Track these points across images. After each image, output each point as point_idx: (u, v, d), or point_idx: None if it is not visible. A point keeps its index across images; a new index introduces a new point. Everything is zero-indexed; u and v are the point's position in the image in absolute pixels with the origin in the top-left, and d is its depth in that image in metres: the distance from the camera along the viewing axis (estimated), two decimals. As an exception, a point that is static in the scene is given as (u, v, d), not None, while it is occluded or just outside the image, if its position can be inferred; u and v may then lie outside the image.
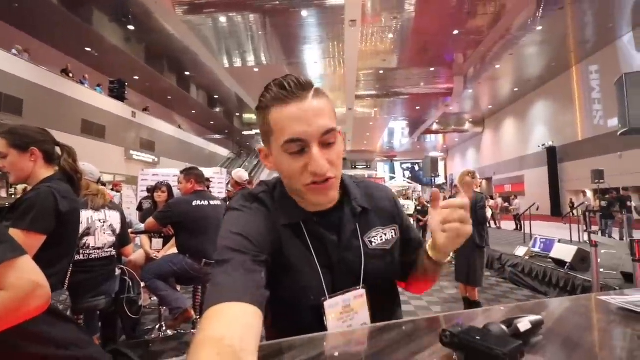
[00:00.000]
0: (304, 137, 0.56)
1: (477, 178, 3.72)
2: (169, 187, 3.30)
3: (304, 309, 0.65)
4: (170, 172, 11.08)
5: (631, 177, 11.93)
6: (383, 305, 0.72)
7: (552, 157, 17.39)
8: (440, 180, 14.94)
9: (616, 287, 3.15)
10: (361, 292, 0.67)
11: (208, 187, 8.02)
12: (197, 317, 2.69)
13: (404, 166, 37.31)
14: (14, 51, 10.66)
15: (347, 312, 0.66)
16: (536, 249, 4.78)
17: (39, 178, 1.30)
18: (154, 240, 3.08)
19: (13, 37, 11.76)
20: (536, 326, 0.59)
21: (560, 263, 4.05)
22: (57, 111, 11.46)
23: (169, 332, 2.85)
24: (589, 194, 13.48)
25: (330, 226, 0.67)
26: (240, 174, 3.74)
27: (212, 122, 25.03)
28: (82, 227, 1.90)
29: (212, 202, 2.65)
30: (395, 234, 0.74)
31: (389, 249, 0.72)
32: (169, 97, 19.67)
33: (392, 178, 25.61)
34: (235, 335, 0.42)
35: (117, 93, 14.88)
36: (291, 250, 0.64)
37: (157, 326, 2.92)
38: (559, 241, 4.52)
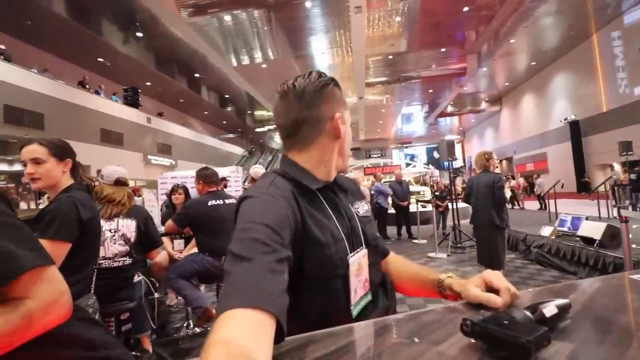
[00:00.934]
0: None
1: (493, 159, 3.63)
2: (185, 189, 3.36)
3: (331, 279, 0.68)
4: (187, 174, 11.32)
5: (662, 146, 11.32)
6: (377, 265, 0.83)
7: (576, 131, 16.70)
8: (458, 163, 14.60)
9: (651, 263, 3.01)
10: (365, 251, 0.76)
11: (225, 186, 8.13)
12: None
13: (418, 150, 36.70)
14: (33, 70, 11.04)
15: (359, 270, 0.73)
16: (563, 228, 4.61)
17: (61, 187, 1.35)
18: (175, 241, 3.15)
19: (29, 54, 12.19)
20: (563, 310, 0.56)
21: (588, 241, 3.90)
22: (76, 122, 11.86)
23: (197, 330, 2.93)
24: (617, 167, 12.89)
25: (337, 194, 0.79)
26: (257, 169, 3.76)
27: (224, 122, 25.33)
28: None
29: (227, 201, 2.68)
30: (369, 207, 0.88)
31: (370, 216, 0.86)
32: (182, 100, 20.02)
33: (408, 165, 25.21)
34: (247, 337, 0.41)
35: (131, 100, 15.25)
36: (315, 223, 0.67)
37: (185, 324, 3.01)
38: (587, 218, 4.34)
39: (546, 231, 4.81)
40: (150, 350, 2.33)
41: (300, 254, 0.64)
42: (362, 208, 0.84)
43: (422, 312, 0.64)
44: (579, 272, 3.97)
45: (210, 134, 23.78)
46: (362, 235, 0.77)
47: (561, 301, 0.56)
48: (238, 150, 26.86)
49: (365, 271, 0.76)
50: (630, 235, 2.55)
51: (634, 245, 3.24)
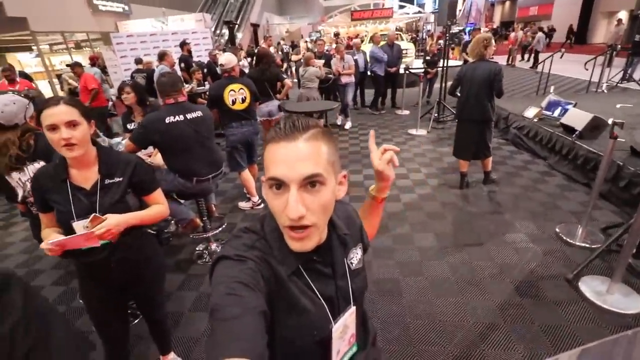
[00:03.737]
0: (283, 178, 0.56)
1: (492, 45, 3.17)
2: (135, 86, 2.85)
3: (310, 344, 0.68)
4: (145, 31, 9.77)
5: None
6: (361, 312, 0.83)
7: (597, -33, 14.37)
8: (456, 28, 12.73)
9: (620, 162, 3.09)
10: (353, 309, 0.74)
11: (189, 52, 7.14)
12: (203, 219, 2.83)
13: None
14: None
15: (344, 331, 0.73)
16: (548, 112, 4.51)
17: (92, 153, 1.28)
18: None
19: None
20: None
21: (569, 130, 3.88)
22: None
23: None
24: (624, 17, 11.72)
25: (325, 259, 0.69)
26: (220, 58, 3.17)
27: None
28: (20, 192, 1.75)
29: (189, 116, 2.33)
30: (362, 251, 0.81)
31: (362, 266, 0.79)
32: None
33: (401, 7, 22.29)
34: None
35: None
36: (295, 293, 0.64)
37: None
38: (575, 105, 4.18)
39: (530, 112, 4.71)
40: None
41: (277, 320, 0.63)
42: (356, 258, 0.77)
43: None
44: (549, 159, 4.12)
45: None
46: (350, 294, 0.73)
47: None
48: (203, -13, 22.48)
49: (352, 328, 0.75)
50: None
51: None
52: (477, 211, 3.23)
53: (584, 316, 1.99)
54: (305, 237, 0.59)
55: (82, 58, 10.58)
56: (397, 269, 2.51)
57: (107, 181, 1.28)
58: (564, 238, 2.68)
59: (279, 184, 0.57)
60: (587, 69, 6.88)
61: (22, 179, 1.69)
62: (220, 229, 2.85)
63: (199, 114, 2.40)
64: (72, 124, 1.16)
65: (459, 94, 3.41)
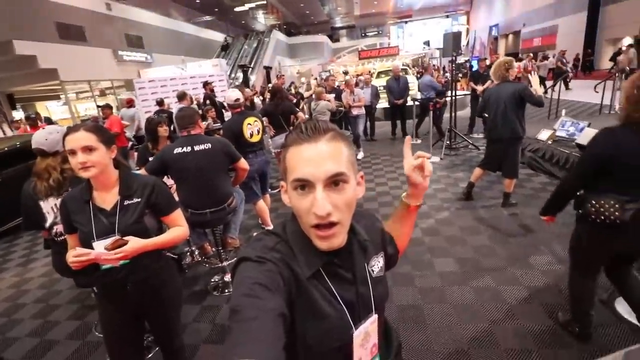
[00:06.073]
0: (310, 178, 0.58)
1: (513, 67, 3.33)
2: (170, 117, 3.01)
3: (332, 350, 0.67)
4: (166, 76, 10.41)
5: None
6: (382, 322, 0.81)
7: (596, -1, 14.83)
8: (461, 58, 13.27)
9: None
10: (374, 317, 0.73)
11: (212, 90, 7.51)
12: (218, 249, 2.82)
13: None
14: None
15: (365, 339, 0.72)
16: (562, 133, 4.47)
17: (112, 175, 1.33)
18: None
19: None
20: None
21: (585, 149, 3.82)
22: (25, 17, 10.19)
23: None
24: (628, 43, 11.86)
25: (345, 264, 0.69)
26: (231, 94, 3.32)
27: (197, 0, 21.98)
28: (50, 218, 1.75)
29: (197, 147, 2.35)
30: (383, 260, 0.79)
31: (383, 275, 0.78)
32: (142, -24, 16.87)
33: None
34: None
35: (81, -19, 12.81)
36: (315, 297, 0.64)
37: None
38: (589, 125, 4.15)
39: (544, 134, 4.68)
40: None
41: (297, 324, 0.63)
42: (377, 266, 0.76)
43: None
44: (569, 180, 4.02)
45: (183, 17, 20.92)
46: (372, 301, 0.72)
47: None
48: (218, 37, 24.16)
49: (374, 337, 0.74)
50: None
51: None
52: (498, 235, 3.13)
53: (622, 338, 1.84)
54: (332, 235, 0.60)
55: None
56: (418, 296, 2.40)
57: (126, 202, 1.32)
58: (594, 259, 2.54)
59: (304, 185, 0.58)
60: (597, 92, 6.88)
61: (57, 205, 1.73)
62: (235, 259, 2.85)
63: (207, 146, 2.38)
64: (88, 149, 1.22)
65: (486, 115, 3.50)
